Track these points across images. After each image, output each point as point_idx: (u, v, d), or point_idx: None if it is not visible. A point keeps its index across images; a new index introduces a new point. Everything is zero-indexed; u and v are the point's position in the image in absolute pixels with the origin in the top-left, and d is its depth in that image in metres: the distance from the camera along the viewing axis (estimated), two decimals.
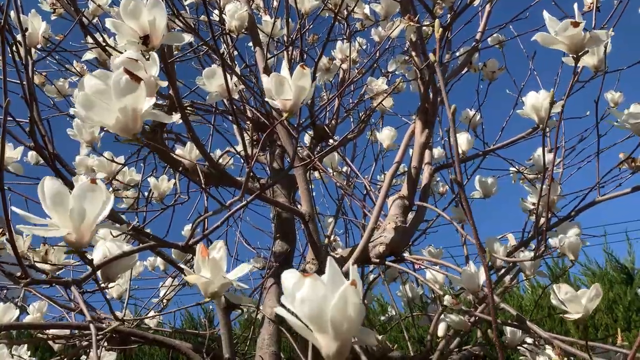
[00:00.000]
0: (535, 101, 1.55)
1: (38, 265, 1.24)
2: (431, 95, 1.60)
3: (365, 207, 1.79)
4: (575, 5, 1.09)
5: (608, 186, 2.03)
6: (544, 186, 1.51)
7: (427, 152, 1.63)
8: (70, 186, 0.97)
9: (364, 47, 2.71)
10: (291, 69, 2.23)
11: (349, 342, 0.47)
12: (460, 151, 1.77)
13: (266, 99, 1.04)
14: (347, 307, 0.46)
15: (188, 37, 1.11)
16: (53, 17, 2.05)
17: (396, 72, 2.32)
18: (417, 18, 1.51)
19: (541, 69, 2.39)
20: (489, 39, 2.21)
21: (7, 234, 0.82)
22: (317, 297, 0.46)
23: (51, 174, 1.11)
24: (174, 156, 1.57)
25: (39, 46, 1.47)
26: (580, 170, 2.24)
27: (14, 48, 1.09)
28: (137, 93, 0.78)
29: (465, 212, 0.72)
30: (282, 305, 0.48)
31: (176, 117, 0.89)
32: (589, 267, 4.25)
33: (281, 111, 1.05)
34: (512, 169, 2.24)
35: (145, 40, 1.07)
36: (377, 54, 2.51)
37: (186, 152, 1.50)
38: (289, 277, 0.48)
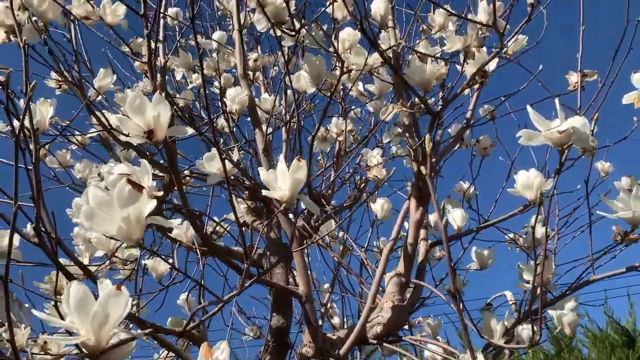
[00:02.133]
0: (526, 180, 1.59)
1: (38, 357, 1.23)
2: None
3: (363, 283, 1.79)
4: (557, 104, 1.15)
5: (603, 258, 2.05)
6: (538, 263, 1.53)
7: (422, 229, 1.66)
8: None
9: (359, 116, 2.80)
10: (288, 143, 2.29)
11: None
12: (455, 227, 1.79)
13: (263, 192, 1.07)
14: None
15: (190, 130, 1.16)
16: (58, 93, 2.13)
17: (390, 144, 2.39)
18: (409, 102, 1.57)
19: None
20: (480, 110, 2.30)
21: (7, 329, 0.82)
22: None
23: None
24: (172, 234, 1.59)
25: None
26: (574, 240, 2.26)
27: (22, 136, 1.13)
28: (140, 202, 0.81)
29: (462, 322, 0.74)
30: None
31: (176, 222, 0.92)
32: (590, 329, 4.20)
33: (279, 202, 1.08)
34: (507, 236, 2.26)
35: (150, 134, 1.12)
36: (372, 123, 2.60)
37: (182, 232, 1.52)
38: None
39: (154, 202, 0.86)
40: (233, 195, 2.64)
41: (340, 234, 2.66)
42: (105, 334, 0.74)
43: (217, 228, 2.53)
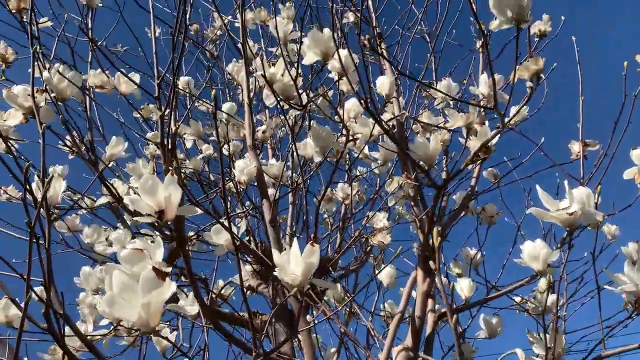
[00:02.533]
0: (533, 251, 1.59)
1: None
2: (431, 243, 1.65)
3: (369, 355, 1.76)
4: (567, 185, 1.17)
5: (615, 329, 2.02)
6: (548, 334, 1.50)
7: (429, 300, 1.65)
8: None
9: (364, 175, 2.84)
10: (294, 205, 2.31)
11: None
12: (463, 297, 1.78)
13: (275, 273, 1.08)
14: None
15: (200, 210, 1.18)
16: (71, 157, 2.18)
17: (396, 206, 2.41)
18: (414, 174, 1.60)
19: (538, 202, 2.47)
20: (484, 172, 2.32)
21: None
22: None
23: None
24: (178, 305, 1.58)
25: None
26: (584, 306, 2.23)
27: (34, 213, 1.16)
28: (162, 289, 0.83)
29: None
30: None
31: (195, 309, 0.92)
32: None
33: (290, 285, 1.08)
34: (515, 301, 2.24)
35: (160, 214, 1.14)
36: (377, 185, 2.63)
37: (188, 304, 1.52)
38: None
39: (174, 286, 0.87)
40: (240, 263, 2.64)
41: (347, 297, 2.64)
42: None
43: (223, 292, 2.52)
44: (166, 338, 1.31)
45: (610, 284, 2.13)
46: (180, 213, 1.16)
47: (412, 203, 1.68)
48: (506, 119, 1.42)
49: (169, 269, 0.99)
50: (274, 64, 1.53)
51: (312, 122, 1.78)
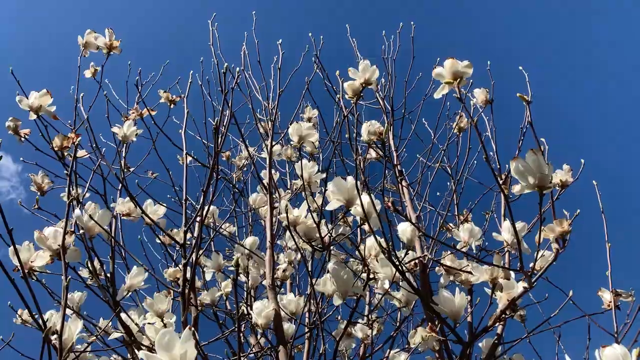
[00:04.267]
0: None
1: None
2: None
3: None
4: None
5: None
6: None
7: None
8: None
9: (383, 305, 2.74)
10: (310, 341, 2.21)
11: None
12: None
13: None
14: None
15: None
16: (90, 282, 2.18)
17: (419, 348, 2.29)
18: (438, 327, 1.54)
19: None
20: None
21: None
22: None
23: None
24: None
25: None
26: None
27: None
28: None
29: None
30: None
31: None
32: None
33: None
34: None
35: None
36: (398, 320, 2.52)
37: None
38: None
39: None
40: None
41: None
42: None
43: None
44: None
45: None
46: None
47: (437, 355, 1.59)
48: (532, 271, 1.39)
49: None
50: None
51: (332, 261, 1.76)
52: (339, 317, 2.69)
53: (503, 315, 1.34)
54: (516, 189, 1.13)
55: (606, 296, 1.83)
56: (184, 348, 1.09)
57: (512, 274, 1.50)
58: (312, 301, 1.90)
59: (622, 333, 1.72)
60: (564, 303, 1.78)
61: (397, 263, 1.41)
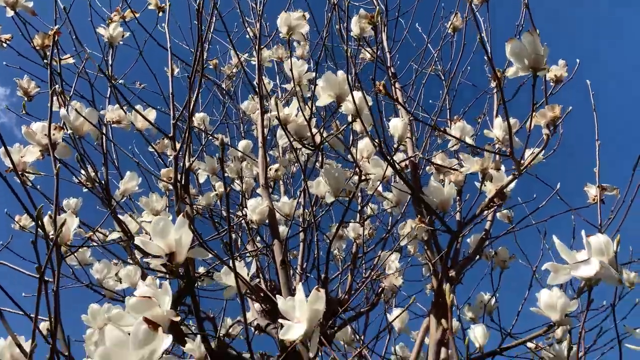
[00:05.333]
0: (549, 300, 1.54)
1: None
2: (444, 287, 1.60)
3: None
4: (584, 236, 1.14)
5: None
6: None
7: (443, 348, 1.59)
8: None
9: (376, 212, 2.81)
10: (304, 242, 2.28)
11: None
12: (477, 345, 1.72)
13: (280, 335, 1.05)
14: None
15: (210, 254, 1.17)
16: (85, 190, 2.20)
17: (408, 246, 2.37)
18: (427, 218, 1.58)
19: (554, 246, 2.41)
20: (498, 215, 2.28)
21: None
22: None
23: None
24: (186, 349, 1.55)
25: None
26: (604, 357, 2.14)
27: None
28: (155, 342, 0.80)
29: None
30: None
31: (201, 353, 0.89)
32: None
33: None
34: (530, 349, 2.15)
35: (170, 257, 1.13)
36: (389, 224, 2.59)
37: (196, 347, 1.49)
38: None
39: (170, 338, 0.85)
40: (248, 298, 2.61)
41: (357, 338, 2.57)
42: None
43: (231, 330, 2.47)
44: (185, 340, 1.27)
45: (627, 336, 2.05)
46: (190, 256, 1.15)
47: (426, 247, 1.65)
48: (522, 164, 1.40)
49: (165, 305, 0.97)
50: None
51: (324, 160, 1.77)
52: (332, 225, 2.76)
53: (491, 204, 1.38)
54: (510, 72, 1.11)
55: (592, 191, 1.87)
56: (178, 234, 1.12)
57: (503, 167, 1.52)
58: (305, 198, 1.93)
59: (606, 225, 1.77)
60: (550, 196, 1.83)
61: (389, 157, 1.42)
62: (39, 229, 0.83)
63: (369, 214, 2.14)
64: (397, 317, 2.04)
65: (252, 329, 2.25)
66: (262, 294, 2.31)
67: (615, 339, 1.73)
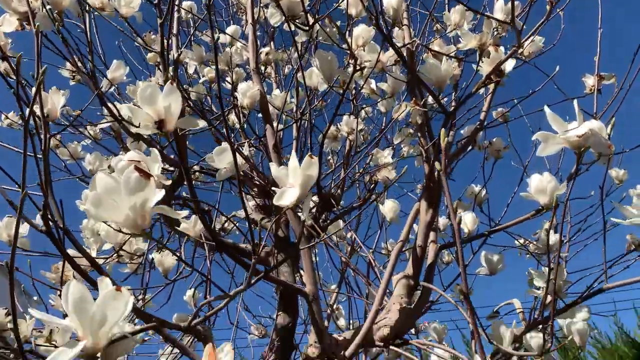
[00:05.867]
0: (540, 184, 1.56)
1: (42, 348, 1.22)
2: (436, 174, 1.62)
3: (370, 284, 1.77)
4: (576, 105, 1.12)
5: (616, 267, 2.01)
6: (551, 269, 1.49)
7: (431, 232, 1.63)
8: (85, 277, 0.98)
9: (370, 115, 2.78)
10: (298, 140, 2.27)
11: None
12: (466, 230, 1.77)
13: (273, 189, 1.06)
14: None
15: (202, 123, 1.15)
16: (72, 83, 2.14)
17: (401, 145, 2.37)
18: (422, 101, 1.55)
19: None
20: (493, 113, 2.27)
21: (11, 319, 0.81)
22: None
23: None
24: (180, 228, 1.58)
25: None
26: (587, 248, 2.22)
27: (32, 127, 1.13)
28: (147, 190, 0.80)
29: (467, 299, 0.72)
30: None
31: (184, 213, 0.90)
32: (599, 340, 4.13)
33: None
34: (517, 242, 2.23)
35: (160, 124, 1.11)
36: (384, 124, 2.57)
37: (190, 226, 1.51)
38: None
39: (162, 192, 0.85)
40: (242, 193, 2.64)
41: (349, 234, 2.65)
42: (103, 336, 0.72)
43: (226, 224, 2.52)
44: (173, 252, 1.31)
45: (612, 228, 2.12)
46: (180, 125, 1.13)
47: (419, 133, 1.64)
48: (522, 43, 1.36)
49: (154, 171, 0.96)
50: None
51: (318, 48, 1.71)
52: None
53: (488, 81, 1.35)
54: None
55: (589, 81, 1.84)
56: (167, 100, 1.09)
57: (502, 48, 1.47)
58: (298, 93, 1.89)
59: (601, 115, 1.76)
60: (545, 81, 1.79)
61: (386, 34, 1.36)
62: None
63: (363, 106, 2.10)
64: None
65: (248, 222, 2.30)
66: (255, 188, 2.34)
67: (600, 231, 1.79)
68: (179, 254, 1.61)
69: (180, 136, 1.39)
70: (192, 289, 2.22)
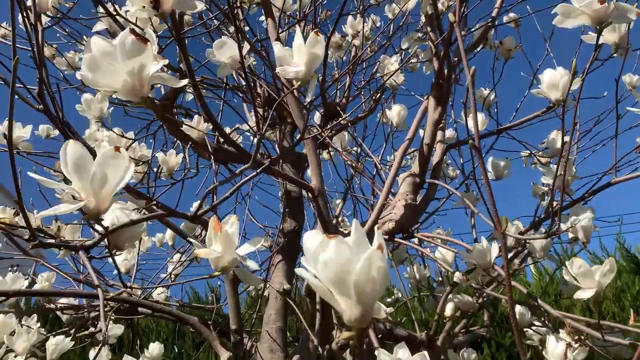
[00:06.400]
0: (553, 78, 1.51)
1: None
2: (446, 71, 1.56)
3: (375, 185, 1.77)
4: None
5: (624, 170, 1.99)
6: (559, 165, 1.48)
7: (439, 130, 1.60)
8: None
9: (377, 24, 2.66)
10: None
11: (372, 307, 0.45)
12: (474, 131, 1.73)
13: (277, 70, 1.02)
14: (372, 271, 0.43)
15: (200, 5, 1.08)
16: None
17: (409, 51, 2.28)
18: None
19: (557, 51, 2.33)
20: (504, 18, 2.16)
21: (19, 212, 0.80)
22: (342, 260, 0.43)
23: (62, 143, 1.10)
24: (183, 129, 1.56)
25: (48, 13, 1.45)
26: (594, 154, 2.20)
27: (24, 13, 1.07)
28: (145, 55, 0.76)
29: (484, 176, 0.70)
30: (303, 267, 0.46)
31: (184, 82, 0.87)
32: (597, 256, 4.21)
33: (293, 80, 1.03)
34: (523, 152, 2.20)
35: (156, 4, 1.05)
36: (391, 31, 2.47)
37: (195, 124, 1.48)
38: (311, 238, 0.44)
39: (160, 63, 0.81)
40: (244, 104, 2.59)
41: (355, 148, 2.62)
42: (105, 196, 0.71)
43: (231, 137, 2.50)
44: (178, 122, 1.28)
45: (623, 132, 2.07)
46: (177, 7, 1.07)
47: (429, 27, 1.56)
48: None
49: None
50: None
51: None
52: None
53: None
54: None
55: None
56: None
57: None
58: None
59: None
60: None
61: None
62: None
63: (370, 3, 2.00)
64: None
65: (252, 130, 2.26)
66: (259, 98, 2.29)
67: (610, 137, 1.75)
68: (181, 155, 1.60)
69: (180, 34, 1.33)
70: (198, 202, 2.23)
